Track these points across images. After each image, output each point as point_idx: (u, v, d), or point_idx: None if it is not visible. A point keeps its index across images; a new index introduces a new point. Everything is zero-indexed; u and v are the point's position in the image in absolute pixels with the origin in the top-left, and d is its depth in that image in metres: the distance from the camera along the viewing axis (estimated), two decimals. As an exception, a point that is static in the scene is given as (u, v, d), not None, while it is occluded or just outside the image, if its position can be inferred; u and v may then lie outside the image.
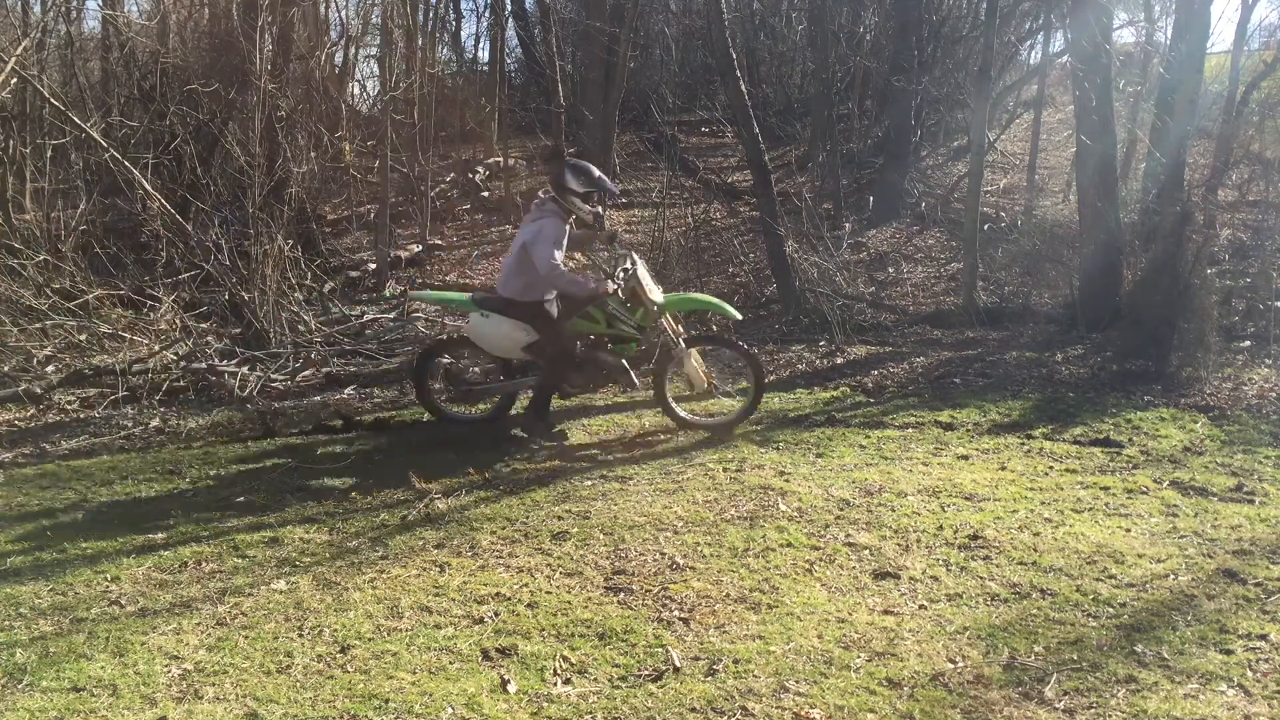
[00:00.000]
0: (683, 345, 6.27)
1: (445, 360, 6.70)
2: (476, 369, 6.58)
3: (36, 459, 6.47)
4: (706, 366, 6.35)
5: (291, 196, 10.56)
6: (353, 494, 5.55)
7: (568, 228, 6.11)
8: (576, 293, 6.13)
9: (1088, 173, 9.16)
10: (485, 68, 18.43)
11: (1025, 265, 10.71)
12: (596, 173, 6.22)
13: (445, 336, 6.99)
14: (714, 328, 8.44)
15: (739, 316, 6.51)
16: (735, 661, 3.53)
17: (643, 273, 6.20)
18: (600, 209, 6.32)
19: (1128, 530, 4.73)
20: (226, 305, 9.19)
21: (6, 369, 7.87)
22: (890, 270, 11.66)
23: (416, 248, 12.86)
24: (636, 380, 6.38)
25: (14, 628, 3.97)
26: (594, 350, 6.35)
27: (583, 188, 6.13)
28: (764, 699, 3.30)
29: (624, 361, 6.31)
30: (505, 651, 3.65)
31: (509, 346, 6.33)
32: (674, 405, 6.37)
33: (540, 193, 6.36)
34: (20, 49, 9.63)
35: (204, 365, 8.23)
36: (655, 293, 6.23)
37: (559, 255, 5.98)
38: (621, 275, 6.15)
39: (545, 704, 3.30)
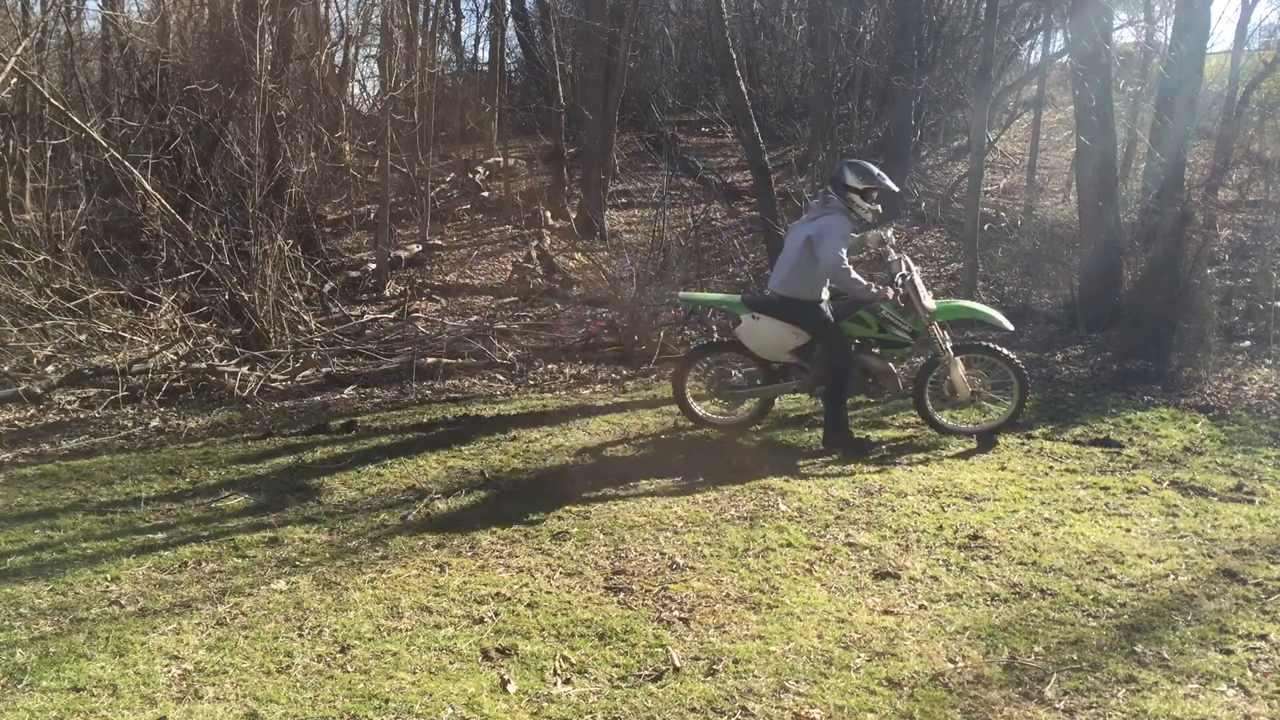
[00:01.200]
0: (950, 352, 6.15)
1: (709, 362, 6.67)
2: (739, 373, 6.53)
3: (36, 459, 6.47)
4: (970, 374, 6.25)
5: (291, 196, 10.56)
6: (353, 494, 5.55)
7: (853, 226, 6.03)
8: (859, 294, 5.97)
9: (1088, 173, 9.15)
10: (485, 68, 18.44)
11: (1025, 265, 10.70)
12: (876, 170, 6.08)
13: (714, 339, 6.95)
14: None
15: (1011, 328, 6.36)
16: (735, 661, 3.53)
17: (918, 278, 6.08)
18: (879, 207, 6.22)
19: (1128, 530, 4.73)
20: (226, 305, 9.20)
21: (6, 369, 7.88)
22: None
23: (416, 248, 12.87)
24: (902, 386, 6.26)
25: (14, 628, 3.97)
26: (860, 354, 6.20)
27: (862, 185, 6.00)
28: (764, 699, 3.30)
29: (890, 366, 6.18)
30: (505, 651, 3.65)
31: (776, 348, 6.25)
32: (932, 411, 6.26)
33: (820, 190, 6.25)
34: (20, 49, 9.64)
35: (204, 365, 8.23)
36: (928, 299, 6.12)
37: (845, 252, 5.89)
38: (900, 280, 6.01)
39: (545, 704, 3.30)
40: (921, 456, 5.97)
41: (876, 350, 6.23)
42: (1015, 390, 6.16)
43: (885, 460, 5.89)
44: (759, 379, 6.50)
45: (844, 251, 5.87)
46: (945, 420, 6.35)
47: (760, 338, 6.25)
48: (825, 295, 6.16)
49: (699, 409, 6.65)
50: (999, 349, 6.25)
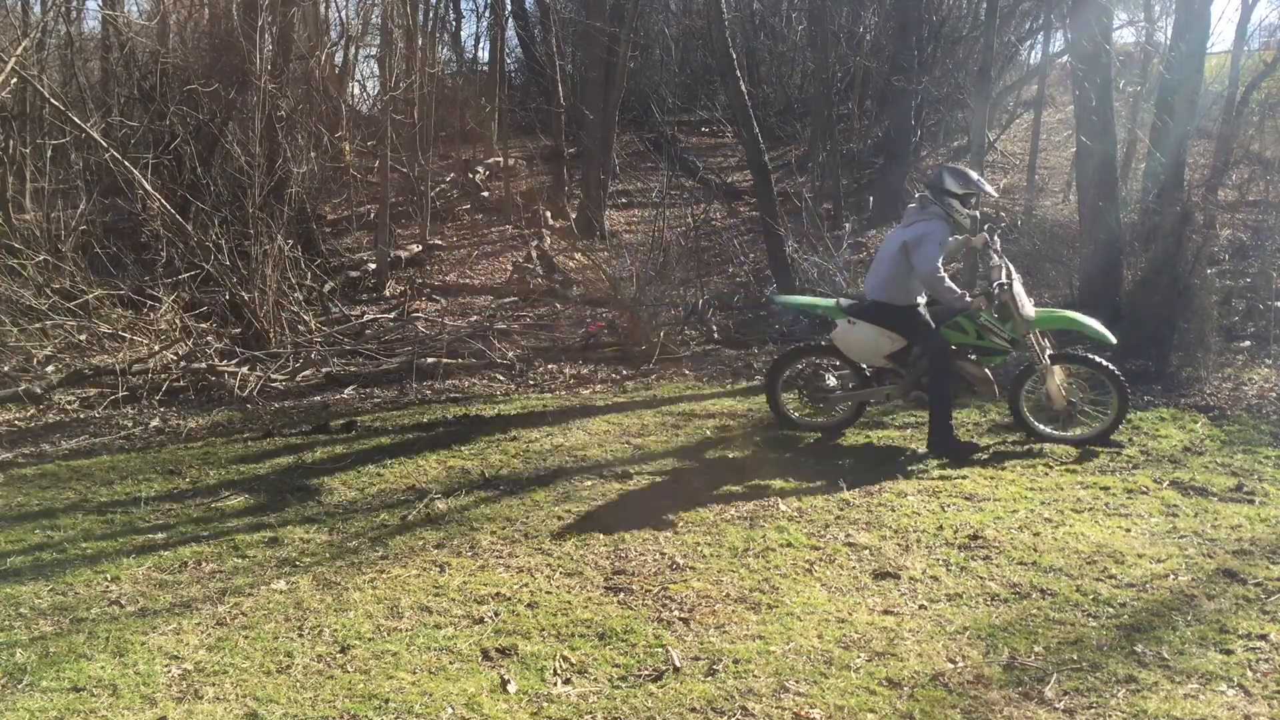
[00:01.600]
0: (1047, 361, 6.05)
1: (802, 365, 6.61)
2: (832, 378, 6.49)
3: (36, 459, 6.47)
4: (1069, 384, 6.19)
5: (291, 196, 10.57)
6: (353, 494, 5.55)
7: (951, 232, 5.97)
8: (953, 302, 5.91)
9: (1088, 173, 9.14)
10: (485, 68, 18.46)
11: (1025, 265, 10.67)
12: (975, 175, 6.04)
13: (808, 343, 6.89)
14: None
15: (1114, 341, 6.23)
16: (735, 661, 3.53)
17: (1018, 288, 5.98)
18: (977, 213, 6.10)
19: (1128, 530, 4.73)
20: (226, 305, 9.20)
21: (6, 369, 7.88)
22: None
23: (416, 248, 12.87)
24: (999, 392, 6.19)
25: (14, 628, 3.97)
26: (956, 360, 6.12)
27: (962, 190, 5.95)
28: (764, 699, 3.30)
29: (988, 373, 6.11)
30: (505, 651, 3.65)
31: (872, 353, 6.20)
32: (1029, 418, 6.18)
33: (916, 195, 6.18)
34: (20, 49, 9.64)
35: (204, 365, 8.23)
36: (1028, 308, 6.01)
37: (941, 260, 5.83)
38: (997, 289, 5.89)
39: (545, 704, 3.30)
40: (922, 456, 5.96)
41: (973, 356, 6.15)
42: (1114, 401, 6.02)
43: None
44: (852, 383, 6.45)
45: (940, 259, 5.83)
46: (1043, 427, 6.20)
47: (856, 342, 6.19)
48: (922, 299, 6.10)
49: (790, 410, 6.61)
50: (1098, 359, 6.13)
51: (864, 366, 6.40)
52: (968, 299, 5.92)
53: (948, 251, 6.04)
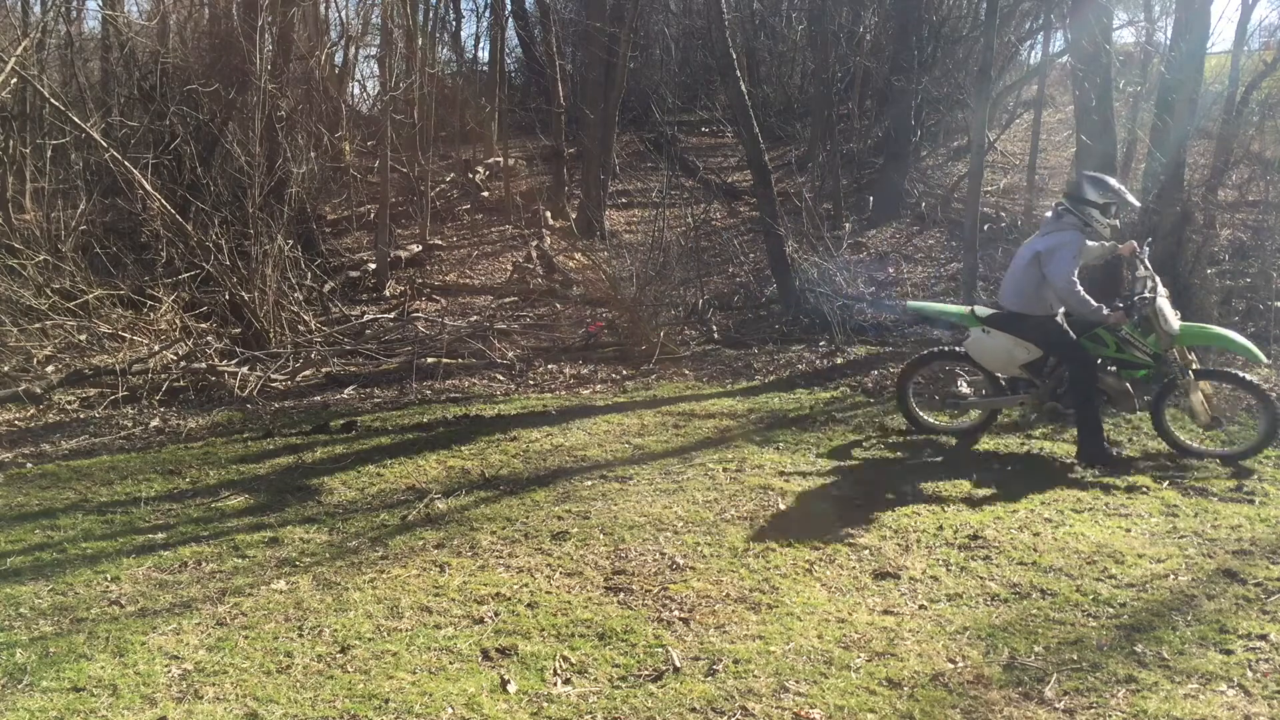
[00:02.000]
0: (1191, 376, 5.89)
1: (935, 370, 6.56)
2: (965, 385, 6.44)
3: (36, 459, 6.47)
4: (1214, 399, 6.00)
5: (291, 196, 10.58)
6: (353, 494, 5.55)
7: (1087, 242, 5.85)
8: (1088, 315, 5.75)
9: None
10: (485, 68, 18.47)
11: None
12: (1115, 184, 5.88)
13: (939, 349, 6.83)
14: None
15: (1265, 360, 6.03)
16: (735, 661, 3.53)
17: (1162, 302, 5.74)
18: (1118, 222, 5.96)
19: (1128, 530, 4.73)
20: (226, 305, 9.21)
21: (6, 369, 7.88)
22: (890, 270, 11.66)
23: (416, 248, 12.87)
24: (1138, 405, 6.07)
25: (14, 628, 3.97)
26: (1097, 371, 5.98)
27: (1102, 199, 5.80)
28: (764, 699, 3.30)
29: (1128, 386, 5.97)
30: (505, 651, 3.65)
31: (1006, 363, 6.11)
32: (1174, 432, 6.01)
33: (1054, 204, 6.02)
34: (20, 49, 9.65)
35: (204, 365, 8.24)
36: (1173, 322, 5.76)
37: (1076, 272, 5.70)
38: (1139, 302, 5.72)
39: (545, 704, 3.30)
40: (921, 456, 5.97)
41: (1114, 369, 6.01)
42: (1263, 418, 5.80)
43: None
44: (986, 391, 6.38)
45: (1075, 271, 5.70)
46: (1187, 440, 6.04)
47: (990, 352, 6.10)
48: (1060, 310, 5.96)
49: (921, 413, 6.54)
50: (1244, 376, 5.97)
51: (998, 375, 6.29)
52: (1104, 311, 5.75)
53: (1091, 258, 5.90)
